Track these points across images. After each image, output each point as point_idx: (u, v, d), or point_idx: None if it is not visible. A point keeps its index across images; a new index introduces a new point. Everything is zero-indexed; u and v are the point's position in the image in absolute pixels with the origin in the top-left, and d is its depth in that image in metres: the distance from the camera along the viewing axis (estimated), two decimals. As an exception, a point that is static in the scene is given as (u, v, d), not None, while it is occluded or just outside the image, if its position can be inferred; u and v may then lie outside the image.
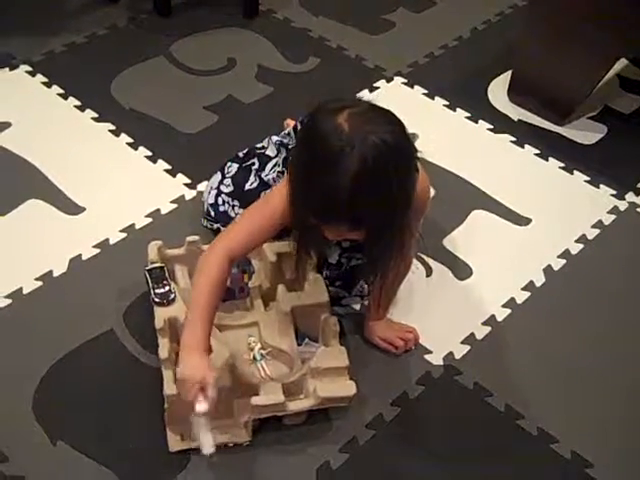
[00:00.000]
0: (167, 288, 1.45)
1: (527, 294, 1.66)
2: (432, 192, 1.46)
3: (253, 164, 1.66)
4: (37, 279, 1.62)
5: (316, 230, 1.23)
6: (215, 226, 1.68)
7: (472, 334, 1.57)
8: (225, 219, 1.64)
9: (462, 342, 1.55)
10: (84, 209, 1.79)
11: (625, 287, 1.70)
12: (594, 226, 1.82)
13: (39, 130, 1.99)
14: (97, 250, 1.69)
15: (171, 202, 1.81)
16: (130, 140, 1.97)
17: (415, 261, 1.59)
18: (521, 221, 1.83)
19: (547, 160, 2.00)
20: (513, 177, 1.95)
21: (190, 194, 1.83)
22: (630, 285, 1.70)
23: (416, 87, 2.20)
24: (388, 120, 1.16)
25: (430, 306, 1.62)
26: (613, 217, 1.85)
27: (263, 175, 1.62)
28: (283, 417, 1.36)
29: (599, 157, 2.02)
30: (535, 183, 1.94)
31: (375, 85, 2.20)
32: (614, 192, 1.92)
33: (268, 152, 1.64)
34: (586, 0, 1.91)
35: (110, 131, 2.00)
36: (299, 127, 1.53)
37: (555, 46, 2.01)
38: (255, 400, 1.29)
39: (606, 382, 1.51)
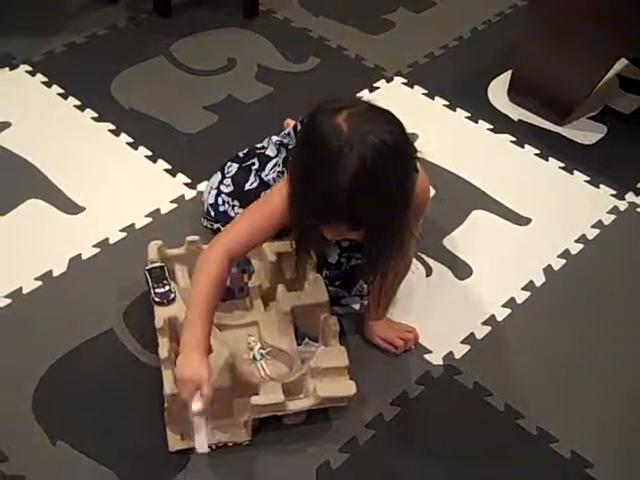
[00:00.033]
0: (167, 288, 1.45)
1: (527, 294, 1.66)
2: (432, 192, 1.46)
3: (253, 164, 1.66)
4: (37, 279, 1.62)
5: (315, 230, 1.24)
6: (215, 226, 1.68)
7: (472, 334, 1.57)
8: (225, 219, 1.64)
9: (462, 342, 1.55)
10: (84, 209, 1.79)
11: (625, 287, 1.70)
12: (594, 226, 1.82)
13: (39, 130, 1.99)
14: (97, 250, 1.69)
15: (171, 202, 1.81)
16: (130, 140, 1.97)
17: (415, 261, 1.59)
18: (521, 221, 1.83)
19: (547, 160, 2.00)
20: (513, 177, 1.95)
21: (190, 194, 1.83)
22: (630, 285, 1.70)
23: (416, 87, 2.20)
24: (387, 120, 1.16)
25: (430, 306, 1.62)
26: (613, 217, 1.85)
27: (263, 175, 1.62)
28: (283, 417, 1.36)
29: (599, 157, 2.02)
30: (535, 183, 1.94)
31: (375, 85, 2.20)
32: (614, 192, 1.92)
33: (268, 152, 1.64)
34: (586, 0, 1.91)
35: (110, 131, 2.00)
36: (299, 127, 1.53)
37: (555, 46, 2.01)
38: (255, 400, 1.29)
39: (606, 382, 1.51)
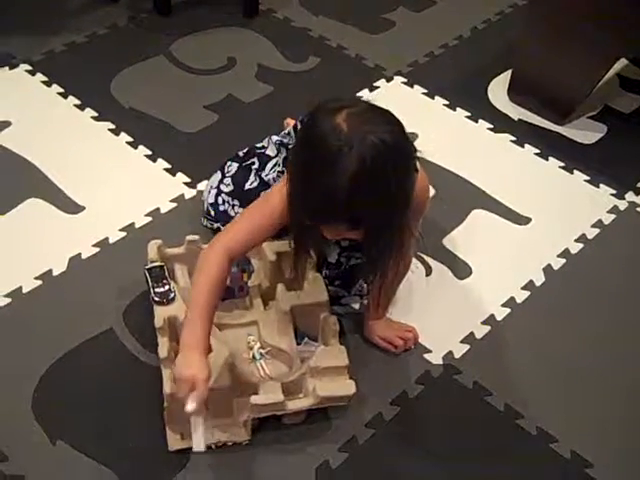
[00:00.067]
0: (167, 287, 1.45)
1: (527, 293, 1.66)
2: (432, 191, 1.46)
3: (253, 163, 1.66)
4: (37, 278, 1.62)
5: (315, 229, 1.23)
6: (215, 225, 1.68)
7: (472, 333, 1.57)
8: (225, 218, 1.64)
9: (461, 341, 1.55)
10: (84, 208, 1.79)
11: (625, 287, 1.70)
12: (594, 225, 1.82)
13: (39, 129, 1.99)
14: (97, 249, 1.69)
15: (171, 201, 1.81)
16: (130, 139, 1.97)
17: (415, 260, 1.59)
18: (521, 220, 1.83)
19: (547, 160, 2.00)
20: (513, 176, 1.95)
21: (190, 193, 1.83)
22: (630, 285, 1.70)
23: (416, 86, 2.20)
24: (387, 120, 1.16)
25: (430, 305, 1.62)
26: (613, 217, 1.85)
27: (263, 175, 1.62)
28: (282, 416, 1.36)
29: (599, 156, 2.02)
30: (535, 182, 1.94)
31: (375, 84, 2.19)
32: (614, 192, 1.91)
33: (268, 152, 1.64)
34: (586, 0, 1.91)
35: (110, 130, 2.00)
36: (299, 126, 1.53)
37: (555, 45, 2.01)
38: (254, 399, 1.29)
39: (606, 382, 1.51)
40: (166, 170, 1.89)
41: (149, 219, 1.76)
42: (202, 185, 1.81)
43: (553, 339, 1.58)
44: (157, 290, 1.44)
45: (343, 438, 1.38)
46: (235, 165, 1.69)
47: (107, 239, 1.71)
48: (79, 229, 1.73)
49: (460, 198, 1.87)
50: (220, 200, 1.67)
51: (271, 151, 1.63)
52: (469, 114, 2.12)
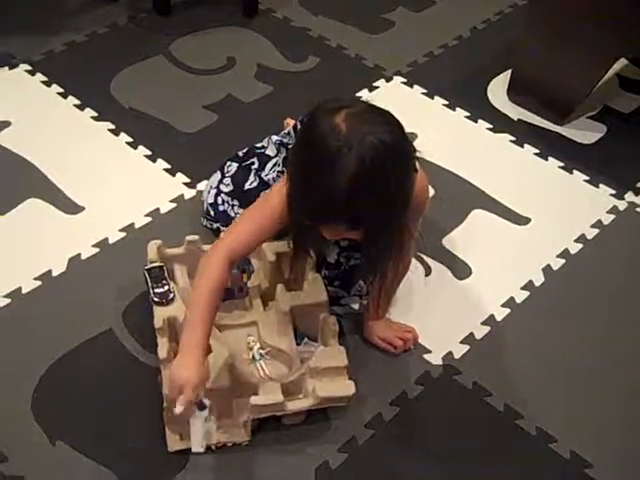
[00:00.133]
0: (166, 287, 1.45)
1: (526, 294, 1.66)
2: (431, 192, 1.46)
3: (253, 163, 1.66)
4: (36, 278, 1.62)
5: (314, 229, 1.24)
6: (215, 225, 1.68)
7: (471, 334, 1.57)
8: (225, 218, 1.64)
9: (461, 342, 1.55)
10: (83, 208, 1.79)
11: (624, 287, 1.70)
12: (593, 226, 1.82)
13: (38, 129, 1.99)
14: (96, 249, 1.69)
15: (170, 201, 1.81)
16: (129, 139, 1.97)
17: (414, 260, 1.59)
18: (520, 221, 1.83)
19: (546, 160, 2.00)
20: (512, 177, 1.95)
21: (190, 193, 1.83)
22: (630, 285, 1.70)
23: (415, 86, 2.20)
24: (386, 120, 1.16)
25: (429, 306, 1.62)
26: (612, 217, 1.85)
27: (263, 175, 1.62)
28: (282, 417, 1.36)
29: (598, 157, 2.02)
30: (534, 183, 1.94)
31: (375, 84, 2.19)
32: (613, 192, 1.91)
33: (268, 152, 1.64)
34: (586, 0, 1.91)
35: (109, 130, 2.00)
36: (299, 126, 1.53)
37: (555, 45, 2.01)
38: (254, 400, 1.29)
39: (606, 382, 1.51)
40: (166, 170, 1.89)
41: (149, 219, 1.76)
42: (202, 185, 1.81)
43: (553, 339, 1.58)
44: (157, 290, 1.44)
45: (343, 439, 1.38)
46: (235, 165, 1.69)
47: (107, 239, 1.71)
48: (79, 229, 1.73)
49: (460, 198, 1.87)
50: (220, 200, 1.67)
51: (271, 151, 1.63)
52: (468, 114, 2.12)
